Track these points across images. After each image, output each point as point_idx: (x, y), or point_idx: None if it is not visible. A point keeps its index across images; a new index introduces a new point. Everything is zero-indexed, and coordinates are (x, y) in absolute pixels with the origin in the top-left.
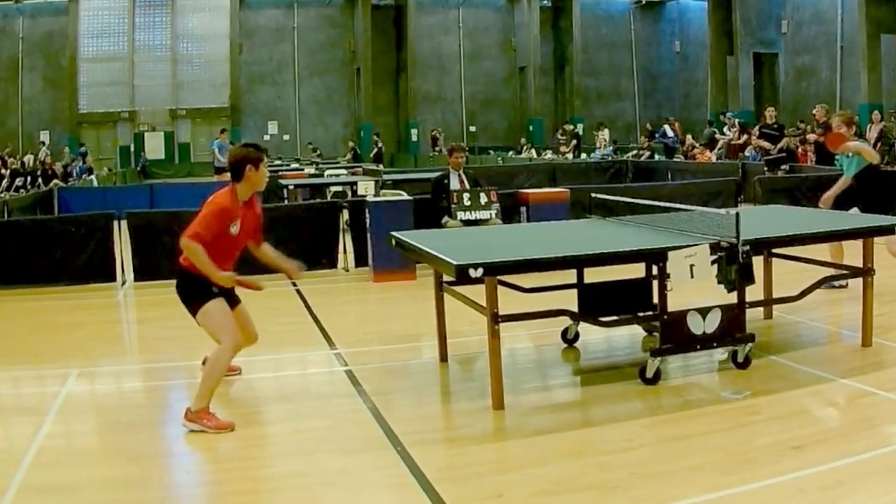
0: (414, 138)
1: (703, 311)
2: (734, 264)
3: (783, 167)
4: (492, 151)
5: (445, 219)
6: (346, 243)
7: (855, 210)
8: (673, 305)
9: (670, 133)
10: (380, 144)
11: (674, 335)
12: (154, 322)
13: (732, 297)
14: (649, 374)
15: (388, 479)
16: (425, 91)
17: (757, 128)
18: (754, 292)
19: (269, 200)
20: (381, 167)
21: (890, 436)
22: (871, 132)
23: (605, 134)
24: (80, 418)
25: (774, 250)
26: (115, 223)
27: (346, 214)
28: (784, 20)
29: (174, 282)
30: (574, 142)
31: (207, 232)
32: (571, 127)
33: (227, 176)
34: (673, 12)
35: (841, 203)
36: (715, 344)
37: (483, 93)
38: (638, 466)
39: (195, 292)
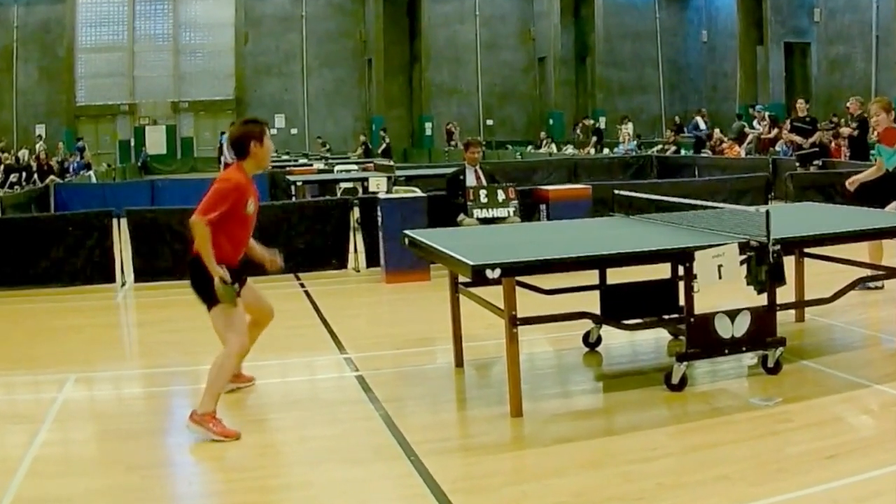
0: (428, 132)
1: (732, 314)
2: (764, 264)
3: (816, 162)
4: (510, 146)
5: (461, 217)
6: (356, 242)
7: (893, 206)
8: (700, 308)
9: (702, 125)
10: (387, 140)
11: (701, 339)
12: (155, 325)
13: (762, 299)
14: (675, 379)
15: (401, 489)
16: (440, 83)
17: (788, 121)
18: (785, 294)
19: (277, 197)
20: (392, 163)
21: None
22: None
23: (628, 128)
24: (78, 426)
25: (807, 250)
26: (115, 221)
27: (356, 212)
28: (816, 8)
29: (176, 283)
30: (594, 138)
31: (223, 207)
32: (591, 122)
33: None
34: (700, 0)
35: (875, 198)
36: (744, 348)
37: (501, 85)
38: (663, 477)
39: (213, 289)
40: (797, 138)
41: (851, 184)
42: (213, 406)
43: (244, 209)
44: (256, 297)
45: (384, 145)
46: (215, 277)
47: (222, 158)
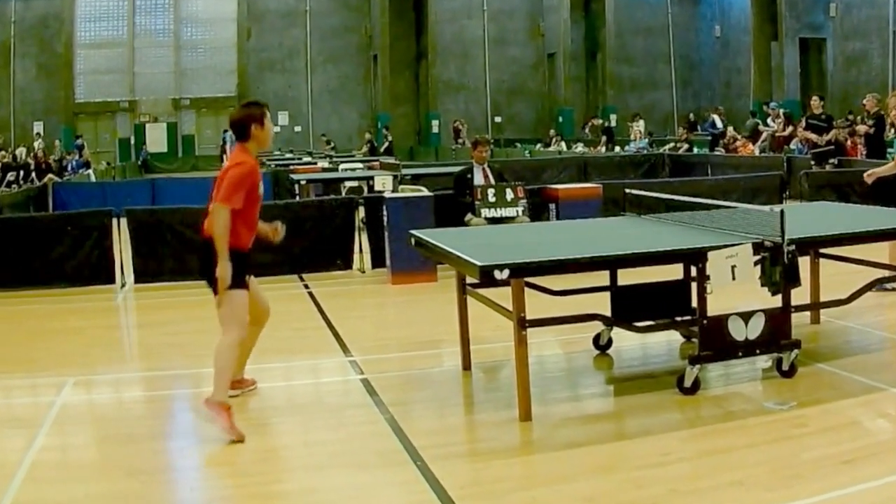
0: (435, 130)
1: (746, 316)
2: (779, 265)
3: (831, 161)
4: (518, 144)
5: (469, 216)
6: (361, 243)
7: None
8: (713, 309)
9: (719, 123)
10: (389, 138)
11: (714, 341)
12: (156, 327)
13: (777, 301)
14: (687, 383)
15: (408, 495)
16: (447, 79)
17: (803, 119)
18: (800, 295)
19: (280, 196)
20: (397, 161)
21: None
22: None
23: (639, 125)
24: (77, 430)
25: (822, 250)
26: (115, 221)
27: (361, 212)
28: (832, 3)
29: (177, 284)
30: (604, 137)
31: (243, 191)
32: (600, 122)
33: None
34: None
35: (893, 196)
36: (758, 351)
37: (509, 81)
38: (675, 482)
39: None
40: (812, 136)
41: (870, 176)
42: (224, 395)
43: (258, 190)
44: (256, 295)
45: (386, 143)
46: (221, 270)
47: (225, 157)
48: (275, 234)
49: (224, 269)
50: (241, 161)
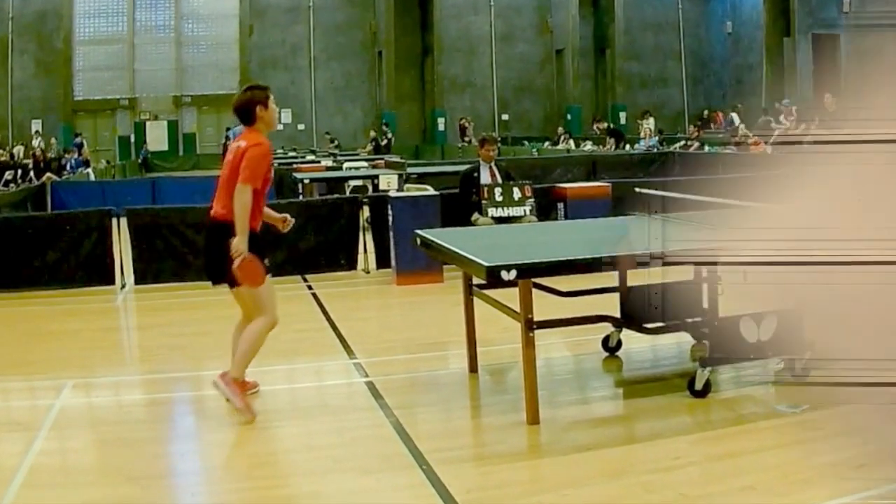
0: (441, 128)
1: (758, 317)
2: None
3: None
4: (526, 142)
5: (475, 216)
6: (366, 243)
7: None
8: (724, 310)
9: (737, 122)
10: (389, 135)
11: (725, 343)
12: (156, 329)
13: None
14: (698, 385)
15: (413, 500)
16: (453, 76)
17: (816, 117)
18: None
19: (283, 195)
20: (402, 159)
21: None
22: None
23: (649, 123)
24: (76, 434)
25: None
26: (114, 221)
27: (366, 211)
28: None
29: (178, 285)
30: (612, 139)
31: (262, 170)
32: (604, 125)
33: None
34: None
35: None
36: (770, 353)
37: (516, 78)
38: (685, 487)
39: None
40: None
41: None
42: (241, 374)
43: (270, 172)
44: None
45: (386, 141)
46: (240, 251)
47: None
48: (283, 225)
49: (241, 243)
50: (259, 142)
